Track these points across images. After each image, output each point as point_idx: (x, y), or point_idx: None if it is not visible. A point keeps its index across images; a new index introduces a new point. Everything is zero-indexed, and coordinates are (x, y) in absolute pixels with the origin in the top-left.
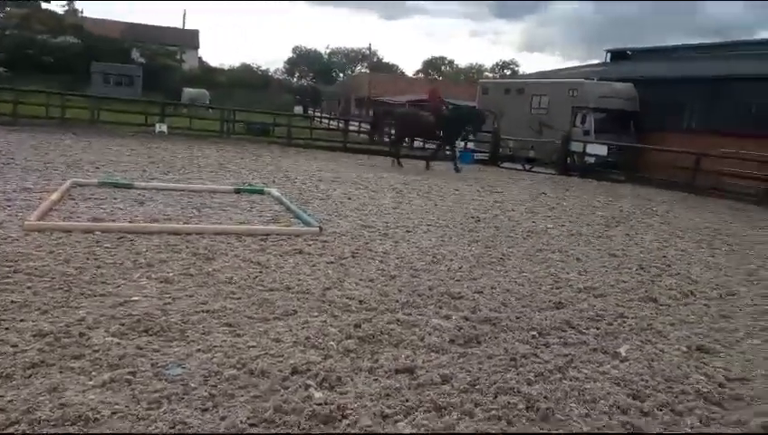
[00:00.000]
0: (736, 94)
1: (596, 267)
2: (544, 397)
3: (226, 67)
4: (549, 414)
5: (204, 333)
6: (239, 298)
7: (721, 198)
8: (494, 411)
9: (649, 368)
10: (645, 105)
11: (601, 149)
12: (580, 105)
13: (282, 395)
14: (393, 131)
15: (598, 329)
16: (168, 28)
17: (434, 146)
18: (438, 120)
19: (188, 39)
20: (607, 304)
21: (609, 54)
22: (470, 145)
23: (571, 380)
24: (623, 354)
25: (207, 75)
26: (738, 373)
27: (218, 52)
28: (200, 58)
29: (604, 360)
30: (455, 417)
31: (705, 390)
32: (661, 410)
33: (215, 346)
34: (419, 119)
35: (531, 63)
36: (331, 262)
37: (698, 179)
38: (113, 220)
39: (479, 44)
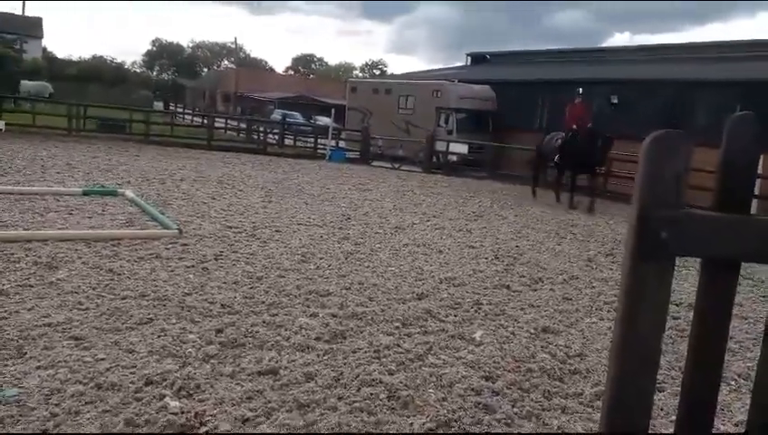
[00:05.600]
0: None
1: (456, 259)
2: (405, 385)
3: (76, 59)
4: (409, 401)
5: (45, 349)
6: (87, 309)
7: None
8: (356, 404)
9: (501, 350)
10: (502, 106)
11: (463, 148)
12: (443, 106)
13: (134, 407)
14: (559, 161)
15: (456, 316)
16: (5, 14)
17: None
18: (591, 145)
19: (30, 27)
20: (465, 292)
21: (469, 58)
22: (341, 144)
23: (430, 366)
24: (478, 339)
25: (54, 67)
26: (577, 350)
27: (67, 42)
28: (45, 48)
29: (461, 345)
30: (318, 413)
31: (549, 367)
32: (510, 389)
33: (58, 362)
34: (582, 145)
35: (398, 65)
36: (192, 266)
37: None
38: None
39: (348, 44)
